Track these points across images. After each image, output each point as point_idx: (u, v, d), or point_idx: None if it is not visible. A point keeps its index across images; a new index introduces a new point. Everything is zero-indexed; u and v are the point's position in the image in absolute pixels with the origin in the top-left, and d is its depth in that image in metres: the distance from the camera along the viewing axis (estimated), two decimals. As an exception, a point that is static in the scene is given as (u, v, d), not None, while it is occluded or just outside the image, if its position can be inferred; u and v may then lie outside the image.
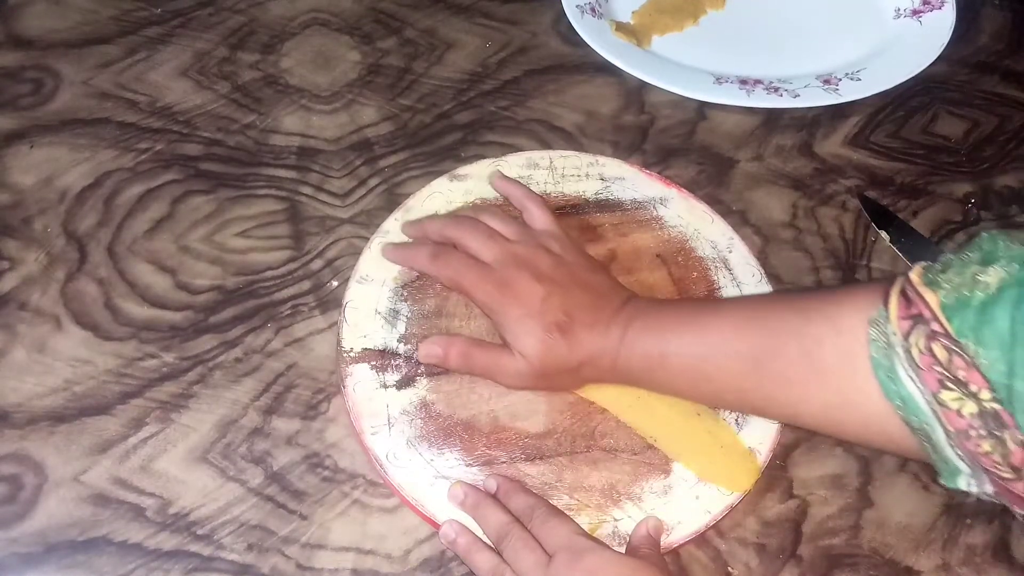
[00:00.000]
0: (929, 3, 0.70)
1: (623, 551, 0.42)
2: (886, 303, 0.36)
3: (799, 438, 0.49)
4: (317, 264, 0.53)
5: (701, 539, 0.45)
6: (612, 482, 0.45)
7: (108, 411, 0.46)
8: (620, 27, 0.67)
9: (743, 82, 0.64)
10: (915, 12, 0.70)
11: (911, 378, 0.34)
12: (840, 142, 0.63)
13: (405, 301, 0.50)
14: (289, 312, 0.51)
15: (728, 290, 0.52)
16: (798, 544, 0.46)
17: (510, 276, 0.46)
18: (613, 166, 0.57)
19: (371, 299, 0.50)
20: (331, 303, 0.51)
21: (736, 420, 0.47)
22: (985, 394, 0.32)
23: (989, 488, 0.35)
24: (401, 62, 0.64)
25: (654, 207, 0.55)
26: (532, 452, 0.46)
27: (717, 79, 0.64)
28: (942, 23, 0.68)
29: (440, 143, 0.59)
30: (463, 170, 0.56)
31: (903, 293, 0.36)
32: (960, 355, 0.33)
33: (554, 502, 0.44)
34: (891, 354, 0.35)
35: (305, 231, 0.54)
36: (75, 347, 0.48)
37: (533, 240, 0.48)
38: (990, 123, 0.65)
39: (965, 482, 0.35)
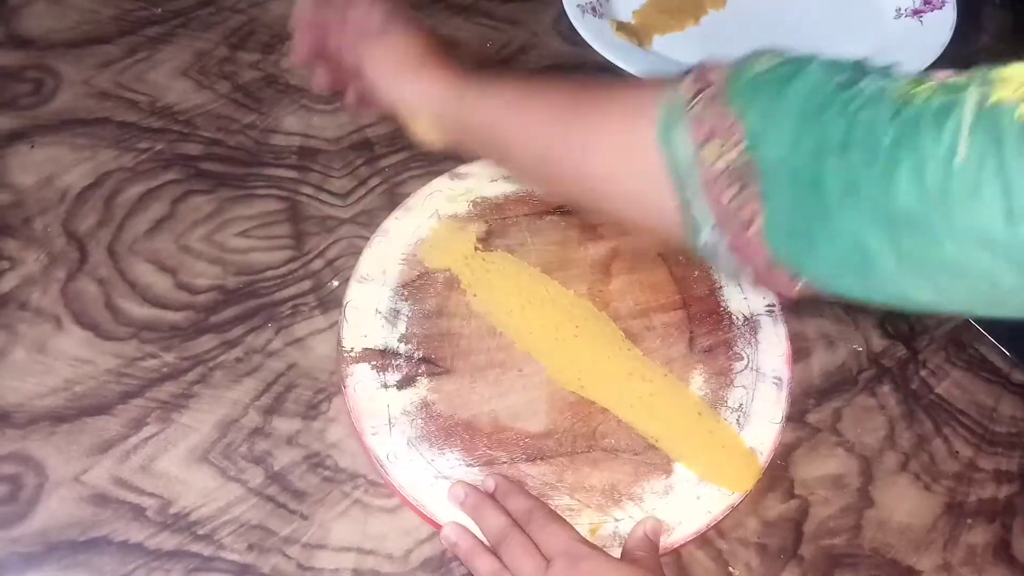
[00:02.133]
0: (930, 3, 0.69)
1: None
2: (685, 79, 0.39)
3: (800, 438, 0.49)
4: (318, 264, 0.53)
5: (702, 539, 0.45)
6: (613, 482, 0.45)
7: (108, 411, 0.46)
8: (621, 27, 0.67)
9: (744, 82, 0.64)
10: (916, 12, 0.70)
11: (685, 130, 0.37)
12: (841, 142, 0.63)
13: (405, 300, 0.50)
14: (290, 312, 0.51)
15: (729, 288, 0.52)
16: (799, 544, 0.46)
17: None
18: (614, 166, 0.57)
19: (371, 299, 0.50)
20: (331, 303, 0.51)
21: (737, 420, 0.47)
22: (742, 146, 0.35)
23: (727, 240, 0.38)
24: (401, 62, 0.64)
25: (655, 207, 0.55)
26: (533, 452, 0.46)
27: (718, 79, 0.63)
28: (943, 23, 0.68)
29: (440, 143, 0.59)
30: (463, 169, 0.56)
31: (704, 70, 0.38)
32: (729, 114, 0.36)
33: (555, 502, 0.44)
34: (674, 111, 0.37)
35: (306, 231, 0.54)
36: (75, 347, 0.48)
37: None
38: (991, 123, 0.65)
39: (707, 234, 0.38)
